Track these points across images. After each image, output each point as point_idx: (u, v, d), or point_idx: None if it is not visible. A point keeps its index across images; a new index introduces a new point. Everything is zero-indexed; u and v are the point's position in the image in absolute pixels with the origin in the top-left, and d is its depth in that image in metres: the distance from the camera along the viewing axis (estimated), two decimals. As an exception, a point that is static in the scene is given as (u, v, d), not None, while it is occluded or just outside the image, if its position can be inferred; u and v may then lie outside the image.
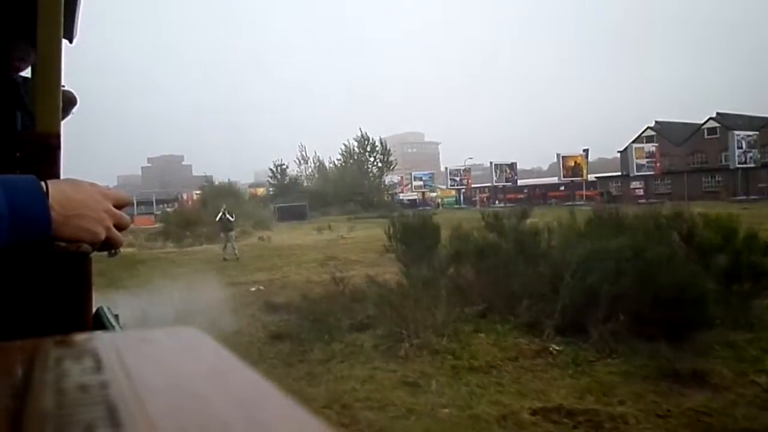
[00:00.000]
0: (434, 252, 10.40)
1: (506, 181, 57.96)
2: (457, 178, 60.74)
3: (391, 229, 11.18)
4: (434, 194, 62.88)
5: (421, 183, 61.44)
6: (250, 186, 64.79)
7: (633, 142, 56.88)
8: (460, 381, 6.50)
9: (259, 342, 8.39)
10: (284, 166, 58.02)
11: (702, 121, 54.59)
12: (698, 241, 8.89)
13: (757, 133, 48.25)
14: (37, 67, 1.11)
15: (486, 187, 63.31)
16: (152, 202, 63.06)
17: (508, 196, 56.16)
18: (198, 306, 9.66)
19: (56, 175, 1.07)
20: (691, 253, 8.73)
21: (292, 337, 8.29)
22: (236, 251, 18.46)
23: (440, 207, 57.60)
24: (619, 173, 57.71)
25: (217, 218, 19.63)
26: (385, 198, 56.51)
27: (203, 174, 63.42)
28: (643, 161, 52.44)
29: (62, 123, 1.13)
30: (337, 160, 59.35)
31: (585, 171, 54.66)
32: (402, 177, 64.63)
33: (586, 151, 56.08)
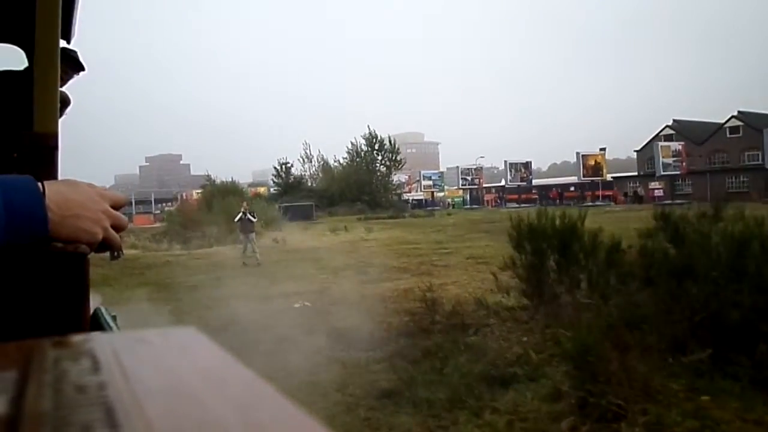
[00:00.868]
0: (585, 265, 7.88)
1: (521, 181, 57.71)
2: (469, 178, 60.65)
3: (514, 233, 8.68)
4: (441, 194, 62.87)
5: (430, 183, 61.34)
6: (249, 185, 64.63)
7: (651, 140, 56.62)
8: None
9: (362, 404, 5.46)
10: (289, 165, 57.73)
11: (722, 121, 54.23)
12: None
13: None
14: (35, 67, 1.13)
15: (492, 187, 63.26)
16: (151, 202, 63.30)
17: (523, 196, 56.05)
18: (243, 334, 7.72)
19: (54, 176, 1.09)
20: None
21: (409, 397, 5.46)
22: (258, 255, 17.10)
23: (452, 207, 57.65)
24: (635, 173, 57.48)
25: (236, 219, 18.25)
26: (393, 198, 56.36)
27: (202, 173, 63.28)
28: (669, 160, 51.39)
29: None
30: (343, 158, 59.11)
31: (605, 170, 54.28)
32: (410, 176, 64.48)
33: (603, 149, 55.79)
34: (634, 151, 62.35)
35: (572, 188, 57.71)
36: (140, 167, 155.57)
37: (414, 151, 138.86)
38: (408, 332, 7.83)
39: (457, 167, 61.89)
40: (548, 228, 8.42)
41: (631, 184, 56.29)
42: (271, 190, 57.91)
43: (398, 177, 59.90)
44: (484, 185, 64.12)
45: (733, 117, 53.12)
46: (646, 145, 59.24)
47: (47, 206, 0.75)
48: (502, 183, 64.15)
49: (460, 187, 61.82)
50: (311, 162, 58.95)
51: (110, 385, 0.39)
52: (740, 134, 51.72)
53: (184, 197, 57.96)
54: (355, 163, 57.29)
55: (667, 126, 57.90)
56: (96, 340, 0.54)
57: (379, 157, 57.71)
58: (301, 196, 48.19)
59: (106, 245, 0.86)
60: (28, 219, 0.73)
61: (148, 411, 0.34)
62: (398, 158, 58.13)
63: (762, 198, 41.35)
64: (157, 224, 49.67)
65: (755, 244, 6.40)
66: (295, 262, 16.50)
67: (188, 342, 0.50)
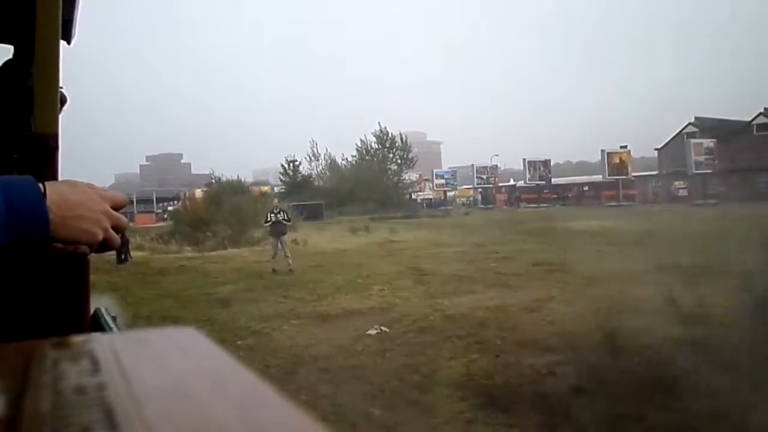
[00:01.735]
0: None
1: (540, 180, 57.35)
2: (484, 176, 60.41)
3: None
4: (451, 194, 62.67)
5: (442, 181, 61.15)
6: (251, 185, 64.36)
7: (673, 138, 56.15)
8: None
9: None
10: (297, 163, 57.24)
11: (749, 118, 53.58)
12: None
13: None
14: (35, 68, 1.16)
15: (503, 186, 63.02)
16: (153, 201, 63.47)
17: (543, 195, 55.82)
18: (327, 386, 6.00)
19: (54, 176, 1.11)
20: None
21: None
22: (290, 261, 15.37)
23: (464, 206, 57.44)
24: (656, 172, 57.00)
25: (267, 220, 16.30)
26: (404, 197, 56.16)
27: (202, 172, 63.08)
28: (702, 158, 50.61)
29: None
30: (352, 156, 58.87)
31: (629, 168, 53.78)
32: (420, 175, 64.30)
33: (625, 147, 55.34)
34: (655, 149, 61.78)
35: (585, 188, 57.37)
36: (141, 166, 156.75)
37: (416, 150, 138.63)
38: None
39: (472, 165, 61.47)
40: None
41: (654, 184, 55.83)
42: (275, 189, 57.27)
43: (409, 176, 59.65)
44: (503, 184, 63.87)
45: (761, 114, 52.49)
46: (668, 142, 58.77)
47: (48, 207, 0.77)
48: (511, 182, 64.12)
49: (475, 186, 61.59)
50: (318, 160, 58.68)
51: (110, 385, 0.39)
52: (768, 132, 51.04)
53: (188, 196, 58.04)
54: (365, 161, 57.07)
55: (689, 123, 57.31)
56: (96, 340, 0.54)
57: (390, 155, 57.53)
58: (309, 195, 47.90)
59: (107, 246, 0.87)
60: (28, 219, 0.75)
61: (147, 412, 0.35)
62: (410, 156, 57.93)
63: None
64: (160, 223, 49.69)
65: None
66: (330, 269, 15.08)
67: (188, 342, 0.51)
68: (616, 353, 6.28)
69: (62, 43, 1.20)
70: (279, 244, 15.65)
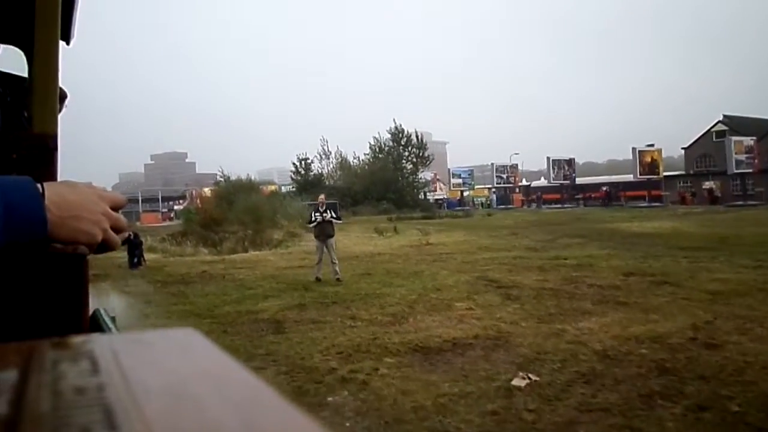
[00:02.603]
0: None
1: (564, 179, 57.09)
2: (504, 175, 60.09)
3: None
4: (467, 193, 62.44)
5: (459, 180, 60.97)
6: (258, 184, 63.96)
7: (702, 137, 55.61)
8: None
9: None
10: (309, 161, 56.99)
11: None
12: None
13: None
14: (34, 68, 1.18)
15: (517, 186, 62.78)
16: (158, 200, 63.86)
17: (564, 195, 55.53)
18: None
19: (53, 176, 1.13)
20: None
21: None
22: (338, 268, 13.48)
23: (482, 207, 57.15)
24: (683, 172, 56.48)
25: (312, 220, 14.17)
26: (419, 196, 55.95)
27: (207, 171, 62.99)
28: (742, 157, 49.83)
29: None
30: (365, 154, 58.70)
31: (661, 168, 53.40)
32: (435, 173, 64.00)
33: (651, 146, 54.83)
34: (682, 148, 61.29)
35: (605, 188, 56.99)
36: (145, 165, 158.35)
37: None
38: None
39: (492, 164, 61.16)
40: None
41: (682, 183, 55.26)
42: (283, 188, 56.90)
43: (424, 175, 59.43)
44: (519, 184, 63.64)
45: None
46: (696, 141, 58.27)
47: (46, 207, 0.78)
48: (524, 182, 63.99)
49: (495, 185, 61.33)
50: (329, 159, 58.41)
51: (109, 386, 0.40)
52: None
53: (197, 194, 58.07)
54: (378, 160, 56.79)
55: (719, 122, 56.81)
56: (95, 341, 0.56)
57: (406, 153, 57.31)
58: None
59: (106, 246, 0.89)
60: (27, 220, 0.76)
61: (147, 412, 0.36)
62: (426, 154, 57.67)
63: None
64: (166, 222, 49.92)
65: None
66: (382, 278, 13.08)
67: (188, 343, 0.52)
68: None
69: (62, 43, 1.22)
70: (324, 248, 13.71)
